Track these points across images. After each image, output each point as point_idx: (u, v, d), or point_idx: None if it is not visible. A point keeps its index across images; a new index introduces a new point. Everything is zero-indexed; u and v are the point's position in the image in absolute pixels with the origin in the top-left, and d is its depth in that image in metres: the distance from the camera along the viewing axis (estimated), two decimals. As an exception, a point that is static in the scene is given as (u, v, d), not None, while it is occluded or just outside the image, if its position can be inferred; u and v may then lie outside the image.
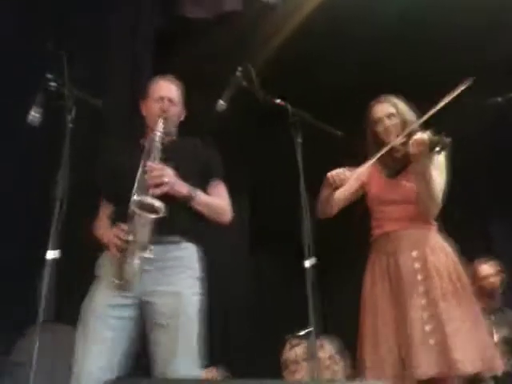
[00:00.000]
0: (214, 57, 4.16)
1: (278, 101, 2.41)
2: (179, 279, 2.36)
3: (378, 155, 2.63)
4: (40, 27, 3.55)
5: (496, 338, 3.57)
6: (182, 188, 2.41)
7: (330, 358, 3.81)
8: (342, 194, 2.79)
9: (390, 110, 2.75)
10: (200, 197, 2.46)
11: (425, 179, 2.59)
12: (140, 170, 2.37)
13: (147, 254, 2.26)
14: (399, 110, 2.75)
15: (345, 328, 2.95)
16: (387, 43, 4.11)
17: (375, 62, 4.21)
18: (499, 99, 2.88)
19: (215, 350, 3.48)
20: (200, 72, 4.09)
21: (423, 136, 2.53)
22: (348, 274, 3.32)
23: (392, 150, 2.64)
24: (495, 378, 3.18)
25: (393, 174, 2.74)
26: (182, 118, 2.70)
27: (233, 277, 4.77)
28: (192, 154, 2.58)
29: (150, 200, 2.28)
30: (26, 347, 1.90)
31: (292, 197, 2.29)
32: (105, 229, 2.47)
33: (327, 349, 3.81)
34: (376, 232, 2.76)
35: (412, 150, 2.55)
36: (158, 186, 2.33)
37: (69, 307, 2.83)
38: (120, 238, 2.29)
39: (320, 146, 2.83)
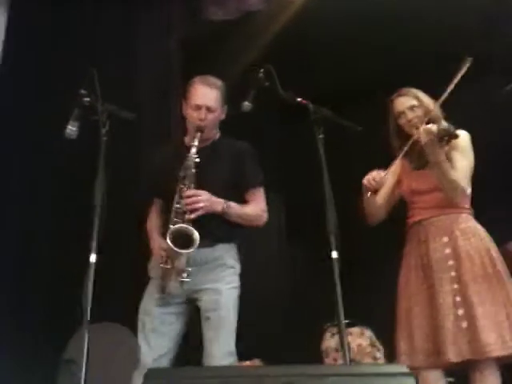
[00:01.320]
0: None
1: (300, 99, 2.46)
2: (219, 277, 2.56)
3: (404, 150, 2.67)
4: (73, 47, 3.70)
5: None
6: (217, 207, 2.55)
7: (371, 344, 3.86)
8: (382, 198, 2.82)
9: (412, 102, 2.75)
10: (232, 210, 2.59)
11: (440, 168, 2.61)
12: (176, 196, 2.50)
13: (184, 277, 2.43)
14: (421, 101, 2.74)
15: (384, 317, 2.99)
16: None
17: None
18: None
19: (255, 341, 3.60)
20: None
21: (432, 126, 2.58)
22: (385, 264, 3.35)
23: (415, 142, 2.67)
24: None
25: (420, 166, 2.76)
26: (222, 117, 2.73)
27: (270, 271, 4.89)
28: (230, 162, 2.66)
29: (188, 230, 2.42)
30: (77, 345, 2.04)
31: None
32: (154, 227, 2.68)
33: (367, 336, 3.86)
34: (410, 221, 2.80)
35: (422, 140, 2.60)
36: (193, 211, 2.47)
37: (115, 306, 3.00)
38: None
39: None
